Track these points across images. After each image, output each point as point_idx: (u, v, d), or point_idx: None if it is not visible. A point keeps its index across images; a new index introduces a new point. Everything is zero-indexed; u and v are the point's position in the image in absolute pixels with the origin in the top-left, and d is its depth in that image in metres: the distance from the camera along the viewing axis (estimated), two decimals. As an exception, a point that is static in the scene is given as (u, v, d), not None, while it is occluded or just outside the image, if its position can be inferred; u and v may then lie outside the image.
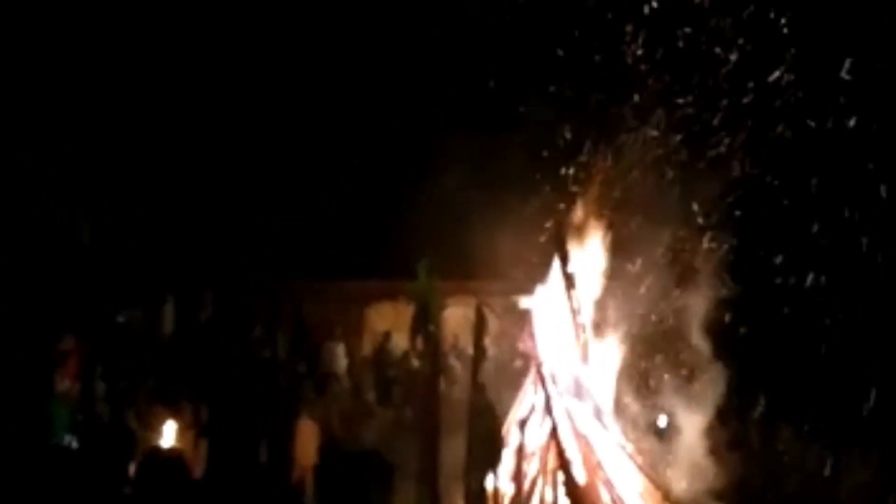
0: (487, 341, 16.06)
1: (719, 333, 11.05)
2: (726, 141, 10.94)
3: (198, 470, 6.16)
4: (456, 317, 15.89)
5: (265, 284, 15.66)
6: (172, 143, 16.14)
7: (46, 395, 7.75)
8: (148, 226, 15.33)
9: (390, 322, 17.32)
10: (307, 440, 10.34)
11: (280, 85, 16.60)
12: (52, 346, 8.65)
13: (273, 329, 14.46)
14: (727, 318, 11.34)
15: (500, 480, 8.38)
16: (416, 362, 14.52)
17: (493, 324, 14.08)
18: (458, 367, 14.69)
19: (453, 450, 7.95)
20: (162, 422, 6.29)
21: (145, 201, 15.60)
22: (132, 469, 4.60)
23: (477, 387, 6.03)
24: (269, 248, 15.92)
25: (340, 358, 15.38)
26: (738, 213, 11.20)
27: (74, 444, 7.34)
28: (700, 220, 10.91)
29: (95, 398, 9.26)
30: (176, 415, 7.56)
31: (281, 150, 16.81)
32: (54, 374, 8.37)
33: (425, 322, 5.24)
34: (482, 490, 6.28)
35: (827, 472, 11.21)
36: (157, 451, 4.83)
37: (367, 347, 16.69)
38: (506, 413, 9.26)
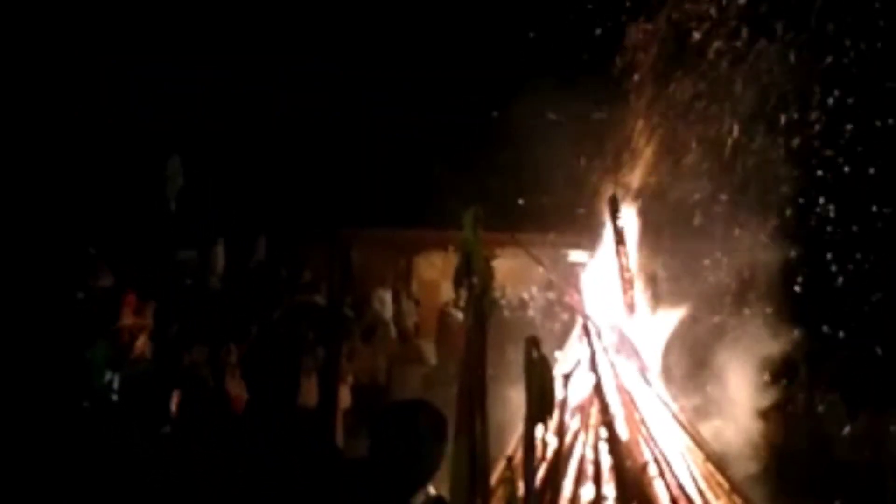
0: (534, 293, 16.13)
1: (771, 294, 10.92)
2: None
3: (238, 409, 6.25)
4: (505, 269, 15.89)
5: (315, 231, 15.75)
6: (233, 92, 16.26)
7: (88, 336, 7.83)
8: (204, 171, 15.45)
9: (439, 271, 17.36)
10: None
11: (329, 33, 16.60)
12: (90, 284, 8.77)
13: (321, 275, 14.55)
14: (781, 279, 11.18)
15: (547, 433, 8.37)
16: (457, 313, 14.55)
17: (540, 276, 14.06)
18: (507, 318, 14.71)
19: (507, 403, 7.92)
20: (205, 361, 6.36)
21: (201, 148, 15.71)
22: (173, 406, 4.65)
23: (529, 340, 5.97)
24: (321, 196, 16.01)
25: (388, 305, 15.49)
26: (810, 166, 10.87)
27: (115, 383, 7.43)
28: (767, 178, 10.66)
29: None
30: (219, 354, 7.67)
31: (335, 99, 16.83)
32: (109, 310, 8.49)
33: (468, 273, 5.18)
34: (529, 446, 6.27)
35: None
36: (201, 387, 4.86)
37: (414, 295, 16.82)
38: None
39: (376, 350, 12.56)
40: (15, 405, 5.33)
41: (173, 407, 4.75)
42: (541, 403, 5.85)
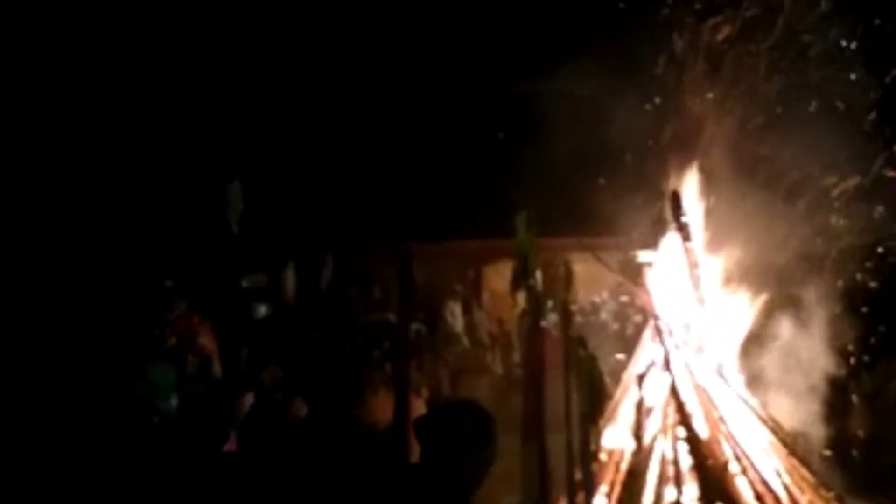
0: (605, 297, 16.03)
1: (853, 283, 10.65)
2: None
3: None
4: (575, 273, 15.72)
5: (381, 246, 15.76)
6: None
7: (151, 357, 7.89)
8: (268, 191, 15.58)
9: (508, 280, 17.24)
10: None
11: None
12: (165, 311, 8.85)
13: (391, 291, 14.56)
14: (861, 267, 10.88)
15: (619, 437, 8.30)
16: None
17: (609, 279, 13.96)
18: (579, 323, 14.58)
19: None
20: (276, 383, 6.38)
21: (263, 169, 15.86)
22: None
23: (575, 339, 5.90)
24: (386, 210, 16.07)
25: (458, 317, 15.49)
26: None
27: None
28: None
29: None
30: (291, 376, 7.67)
31: (394, 113, 16.86)
32: (164, 333, 8.56)
33: (525, 277, 5.10)
34: (585, 444, 6.18)
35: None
36: (271, 408, 4.88)
37: (485, 306, 16.80)
38: (623, 368, 9.16)
39: (448, 362, 12.54)
40: (76, 427, 5.41)
41: (237, 426, 4.78)
42: (591, 401, 5.77)
